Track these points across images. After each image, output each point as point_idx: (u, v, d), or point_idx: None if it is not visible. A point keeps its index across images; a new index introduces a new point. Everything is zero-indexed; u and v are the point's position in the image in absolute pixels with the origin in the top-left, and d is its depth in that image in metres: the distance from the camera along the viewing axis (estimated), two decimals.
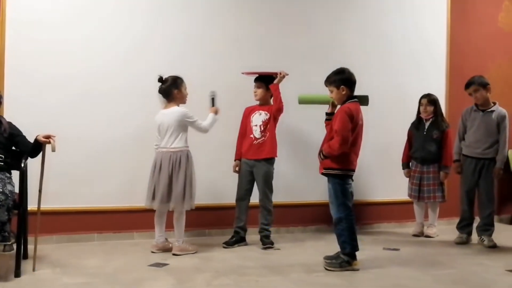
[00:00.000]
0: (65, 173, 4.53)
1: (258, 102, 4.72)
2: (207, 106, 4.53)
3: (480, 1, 6.13)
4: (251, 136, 4.65)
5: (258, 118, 4.66)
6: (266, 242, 4.57)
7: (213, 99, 4.54)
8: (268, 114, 4.62)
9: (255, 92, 4.69)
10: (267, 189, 4.61)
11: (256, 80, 4.71)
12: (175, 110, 4.28)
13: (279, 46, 5.26)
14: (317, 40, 5.40)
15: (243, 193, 4.68)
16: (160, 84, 4.32)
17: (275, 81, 4.61)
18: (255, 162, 4.61)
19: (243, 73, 4.73)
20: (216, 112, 4.49)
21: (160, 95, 4.34)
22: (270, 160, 4.63)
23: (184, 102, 4.37)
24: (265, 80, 4.65)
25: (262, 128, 4.62)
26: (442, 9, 5.89)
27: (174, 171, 4.20)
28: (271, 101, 4.68)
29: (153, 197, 4.24)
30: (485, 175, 4.83)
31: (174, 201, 4.19)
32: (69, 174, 4.56)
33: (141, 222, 4.73)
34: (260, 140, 4.61)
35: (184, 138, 4.30)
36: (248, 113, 4.73)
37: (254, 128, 4.65)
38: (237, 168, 4.76)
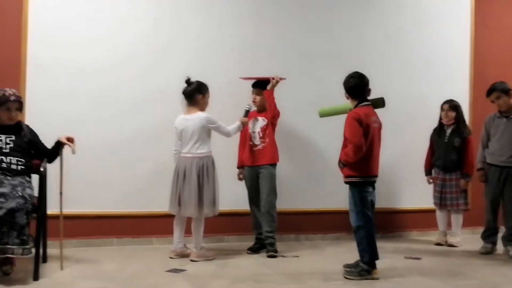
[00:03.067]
0: (85, 178, 4.57)
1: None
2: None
3: (503, 7, 6.03)
4: (251, 143, 4.60)
5: (256, 125, 4.60)
6: (270, 250, 4.47)
7: (247, 111, 4.56)
8: (266, 120, 4.57)
9: (254, 99, 4.64)
10: (271, 193, 4.52)
11: (255, 86, 4.65)
12: (199, 116, 4.26)
13: (298, 51, 5.24)
14: (337, 47, 5.36)
15: (255, 200, 4.63)
16: (186, 85, 4.33)
17: (268, 87, 4.54)
18: (258, 168, 4.56)
19: (241, 78, 4.70)
20: (244, 123, 4.50)
21: (183, 96, 4.33)
22: (273, 165, 4.58)
23: (203, 110, 4.35)
24: (264, 86, 4.58)
25: (261, 135, 4.57)
26: (466, 16, 5.81)
27: (203, 177, 4.18)
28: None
29: (179, 203, 4.21)
30: (510, 184, 4.71)
31: (206, 207, 4.16)
32: (88, 179, 4.61)
33: (160, 227, 4.74)
34: (259, 146, 4.56)
35: (209, 143, 4.30)
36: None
37: (252, 135, 4.60)
38: (241, 176, 4.74)
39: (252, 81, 4.68)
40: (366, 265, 3.75)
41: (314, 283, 3.65)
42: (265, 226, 4.53)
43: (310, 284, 3.62)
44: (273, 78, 4.53)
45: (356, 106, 3.83)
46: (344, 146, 3.82)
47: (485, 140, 4.92)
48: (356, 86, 3.82)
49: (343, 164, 3.79)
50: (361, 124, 3.71)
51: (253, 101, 4.65)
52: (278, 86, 4.58)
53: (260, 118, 4.62)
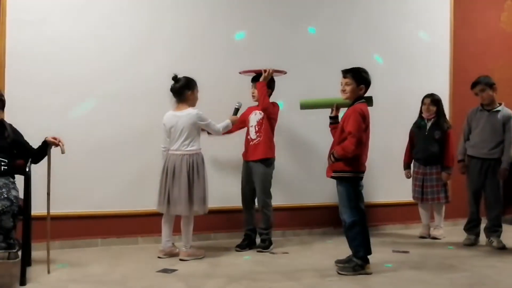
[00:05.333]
0: (68, 178, 4.41)
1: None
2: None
3: (483, 1, 6.12)
4: (248, 137, 4.57)
5: (254, 119, 4.57)
6: (260, 246, 4.51)
7: (237, 109, 4.51)
8: (262, 114, 4.52)
9: (252, 93, 4.60)
10: (264, 193, 4.49)
11: (253, 80, 4.61)
12: (190, 112, 4.16)
13: (283, 47, 5.18)
14: (320, 42, 5.33)
15: (247, 195, 4.59)
16: (173, 82, 4.21)
17: (260, 79, 4.48)
18: (252, 163, 4.52)
19: (240, 73, 4.65)
20: (233, 122, 4.44)
21: (171, 93, 4.22)
22: (266, 161, 4.50)
23: (194, 105, 4.25)
24: None
25: (257, 129, 4.52)
26: (446, 10, 5.86)
27: (193, 175, 4.09)
28: None
29: (168, 202, 4.11)
30: (491, 175, 4.80)
31: (196, 205, 4.08)
32: (72, 179, 4.45)
33: (146, 226, 4.64)
34: (255, 141, 4.51)
35: (199, 140, 4.21)
36: (248, 113, 4.64)
37: (250, 128, 4.57)
38: None
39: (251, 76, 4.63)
40: (360, 260, 3.75)
41: (310, 280, 3.63)
42: (260, 223, 4.57)
43: (306, 281, 3.60)
44: (265, 71, 4.47)
45: (354, 101, 3.81)
46: (339, 140, 3.78)
47: (466, 132, 5.00)
48: (370, 82, 3.86)
49: (335, 158, 3.75)
50: (364, 120, 3.71)
51: (252, 95, 4.59)
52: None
53: (257, 112, 4.57)
